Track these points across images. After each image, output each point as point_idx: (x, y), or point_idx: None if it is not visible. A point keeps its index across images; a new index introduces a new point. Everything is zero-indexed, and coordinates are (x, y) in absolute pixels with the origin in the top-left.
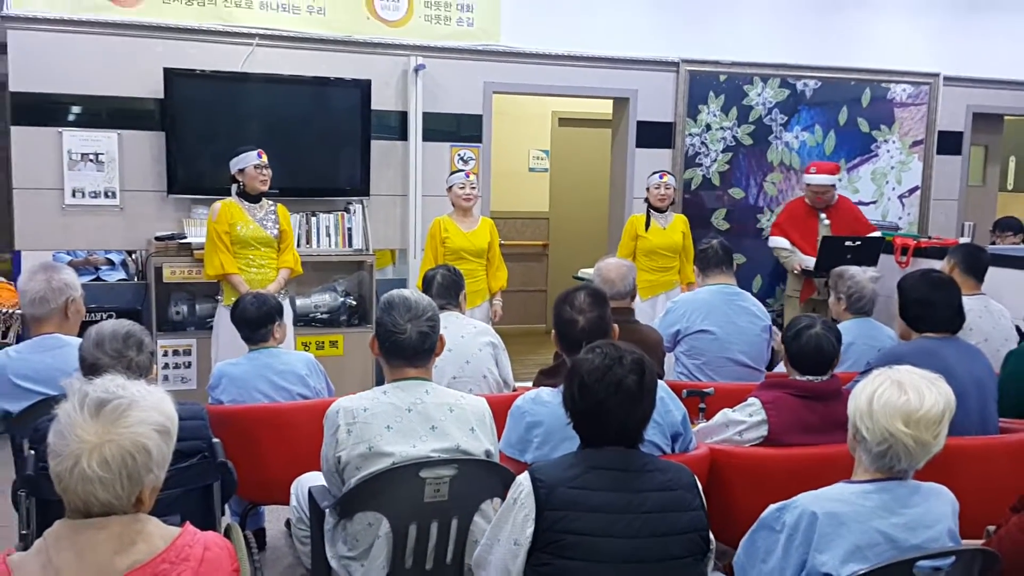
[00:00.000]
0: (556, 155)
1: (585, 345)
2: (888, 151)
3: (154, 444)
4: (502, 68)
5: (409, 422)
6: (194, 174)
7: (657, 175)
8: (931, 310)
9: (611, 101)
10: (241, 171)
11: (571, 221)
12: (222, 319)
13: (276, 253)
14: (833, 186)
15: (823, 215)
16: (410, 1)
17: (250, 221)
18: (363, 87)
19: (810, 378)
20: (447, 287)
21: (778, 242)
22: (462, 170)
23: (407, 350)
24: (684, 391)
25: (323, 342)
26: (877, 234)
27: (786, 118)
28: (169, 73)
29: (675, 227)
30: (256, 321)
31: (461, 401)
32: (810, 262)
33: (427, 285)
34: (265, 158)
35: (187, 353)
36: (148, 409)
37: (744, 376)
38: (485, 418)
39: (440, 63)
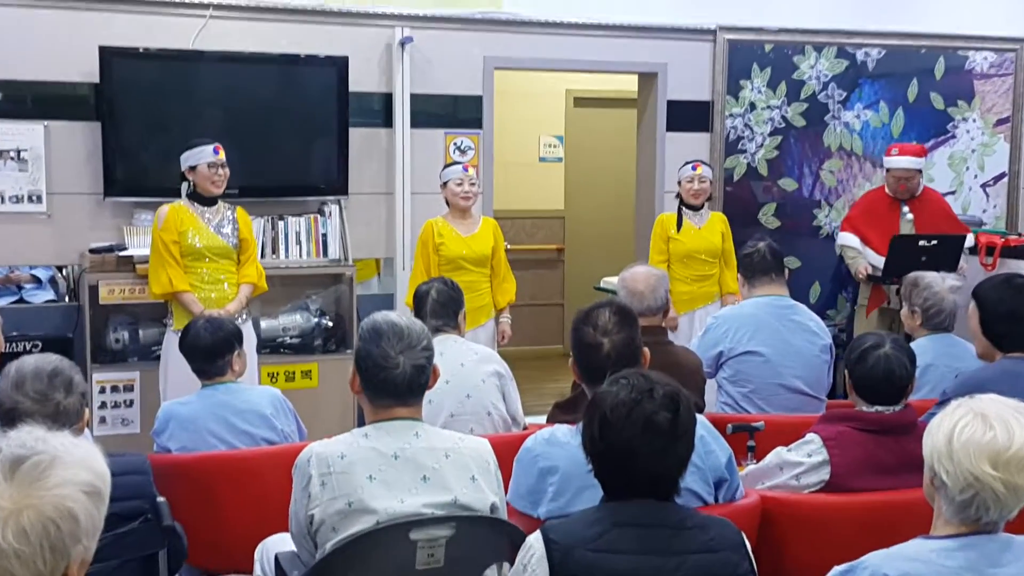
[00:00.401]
0: (572, 142)
1: (610, 374)
2: (968, 131)
3: (82, 508)
4: (505, 40)
5: (396, 471)
6: (137, 173)
7: (689, 166)
8: (1020, 325)
9: (636, 77)
10: (192, 169)
11: (591, 221)
12: (171, 347)
13: (235, 266)
14: (919, 172)
15: (906, 208)
16: None
17: (203, 228)
18: (339, 65)
19: (880, 409)
20: (444, 304)
21: (846, 239)
22: (459, 162)
23: (400, 387)
24: (729, 426)
25: (294, 372)
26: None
27: (845, 94)
28: (106, 52)
29: (712, 227)
30: (211, 350)
31: (459, 444)
32: (879, 263)
33: (419, 303)
34: (222, 154)
35: (129, 389)
36: (74, 466)
37: (801, 406)
38: (489, 464)
39: (431, 35)
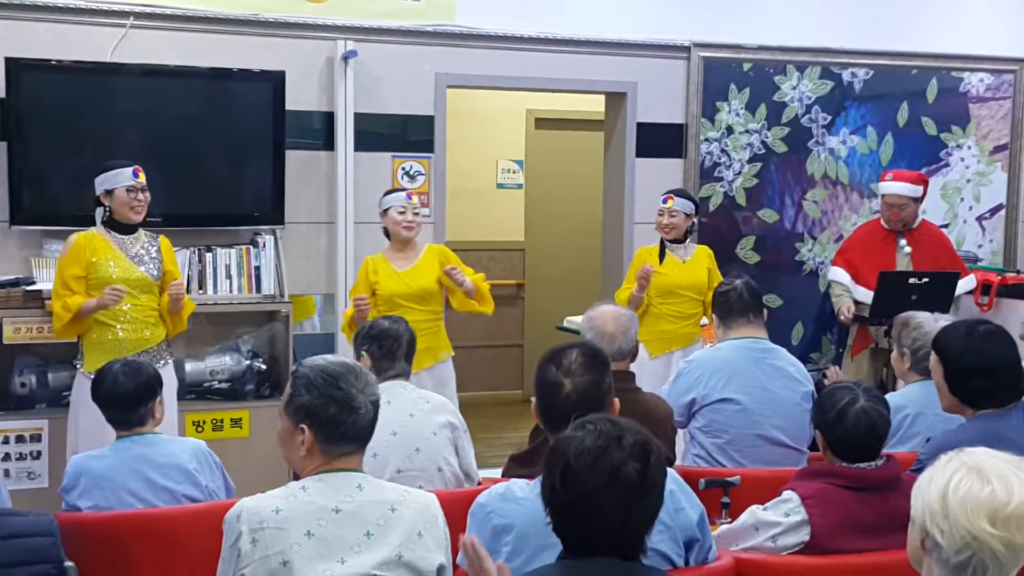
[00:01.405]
0: (533, 167)
1: (573, 420)
2: (962, 159)
3: None
4: (459, 55)
5: (337, 527)
6: (47, 198)
7: (661, 199)
8: (994, 380)
9: (603, 97)
10: (108, 193)
11: (553, 254)
12: (82, 392)
13: (157, 301)
14: (915, 200)
15: (903, 241)
16: None
17: (120, 257)
18: (275, 80)
19: (861, 464)
20: (388, 348)
21: (836, 274)
22: (404, 188)
23: (366, 430)
24: (701, 481)
25: (222, 420)
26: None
27: (830, 118)
28: (12, 64)
29: (698, 261)
30: (131, 398)
31: (405, 497)
32: (867, 296)
33: (366, 343)
34: (142, 177)
35: (36, 439)
36: None
37: (781, 459)
38: (437, 520)
39: (377, 49)
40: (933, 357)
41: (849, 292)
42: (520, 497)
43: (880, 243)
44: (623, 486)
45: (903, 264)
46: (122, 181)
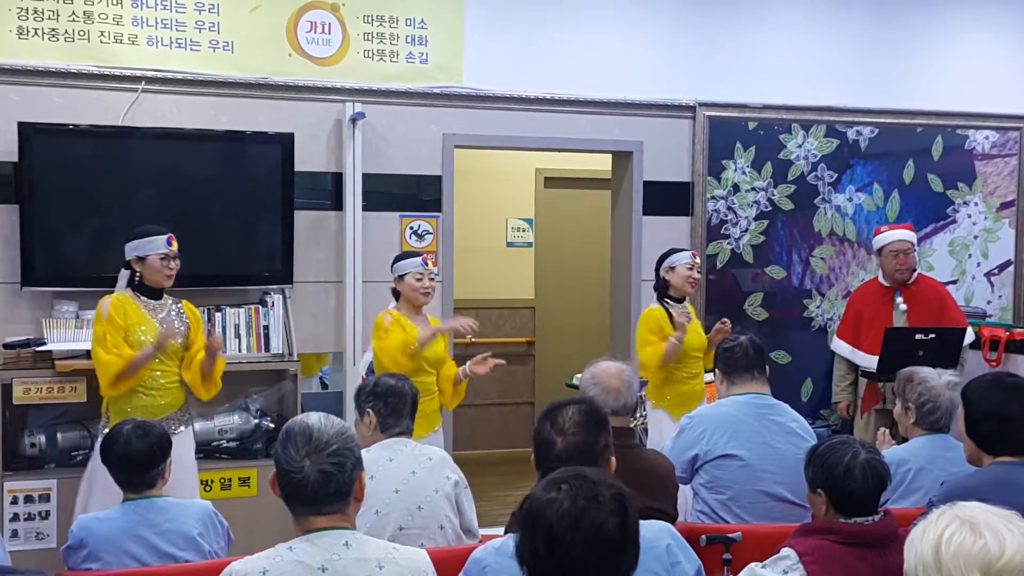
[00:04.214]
0: (542, 225)
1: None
2: (969, 216)
3: None
4: (467, 116)
5: None
6: (58, 260)
7: (688, 253)
8: (1009, 426)
9: (610, 156)
10: (141, 260)
11: (563, 311)
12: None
13: (178, 369)
14: (914, 246)
15: (900, 299)
16: (345, 33)
17: (151, 323)
18: (284, 142)
19: (860, 520)
20: (392, 405)
21: (837, 347)
22: (417, 253)
23: (305, 494)
24: (703, 537)
25: (230, 479)
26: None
27: (836, 176)
28: (26, 128)
29: (694, 319)
30: (144, 459)
31: (394, 554)
32: (869, 361)
33: (372, 400)
34: (175, 245)
35: (44, 499)
36: None
37: (784, 515)
38: None
39: (385, 110)
40: (960, 405)
41: (848, 378)
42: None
43: (878, 303)
44: (606, 544)
45: (900, 321)
46: (156, 248)
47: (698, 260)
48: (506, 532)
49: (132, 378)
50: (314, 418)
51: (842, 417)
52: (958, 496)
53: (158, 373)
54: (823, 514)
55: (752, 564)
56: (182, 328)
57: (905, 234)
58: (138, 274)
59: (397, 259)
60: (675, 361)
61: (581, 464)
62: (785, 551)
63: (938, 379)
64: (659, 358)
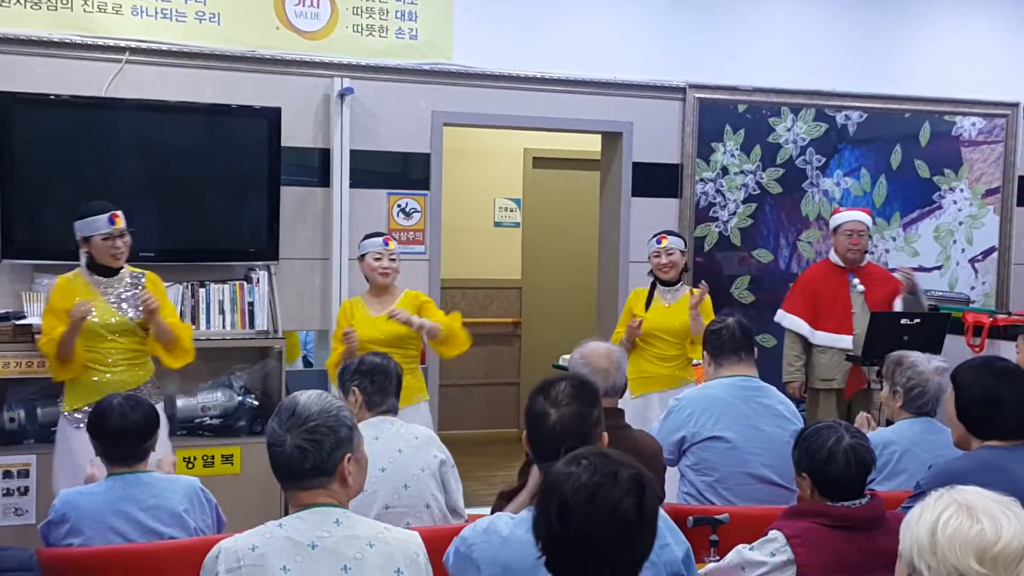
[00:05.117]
0: (530, 205)
1: (563, 452)
2: (955, 202)
3: None
4: (456, 93)
5: (313, 562)
6: (38, 233)
7: (655, 239)
8: (998, 410)
9: (599, 136)
10: (86, 240)
11: (550, 292)
12: (65, 433)
13: (142, 343)
14: (868, 229)
15: (856, 280)
16: (334, 7)
17: (100, 301)
18: (271, 117)
19: (847, 503)
20: (377, 382)
21: (791, 323)
22: (380, 233)
23: (283, 469)
24: (690, 518)
25: (213, 457)
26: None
27: (824, 160)
28: (7, 98)
29: (683, 305)
30: (142, 430)
31: (385, 534)
32: (844, 341)
33: (357, 379)
34: (119, 223)
35: (24, 475)
36: None
37: (770, 497)
38: (418, 558)
39: (374, 86)
40: (950, 388)
41: (802, 358)
42: (504, 533)
43: (833, 283)
44: (620, 523)
45: (858, 302)
46: (98, 229)
47: (665, 243)
48: (492, 512)
49: (73, 359)
50: (306, 395)
51: (794, 398)
52: (947, 478)
53: (104, 353)
54: (809, 497)
55: (739, 546)
56: (132, 309)
57: (861, 216)
58: (87, 252)
59: (362, 240)
60: (642, 339)
61: (575, 437)
62: (773, 533)
63: (927, 364)
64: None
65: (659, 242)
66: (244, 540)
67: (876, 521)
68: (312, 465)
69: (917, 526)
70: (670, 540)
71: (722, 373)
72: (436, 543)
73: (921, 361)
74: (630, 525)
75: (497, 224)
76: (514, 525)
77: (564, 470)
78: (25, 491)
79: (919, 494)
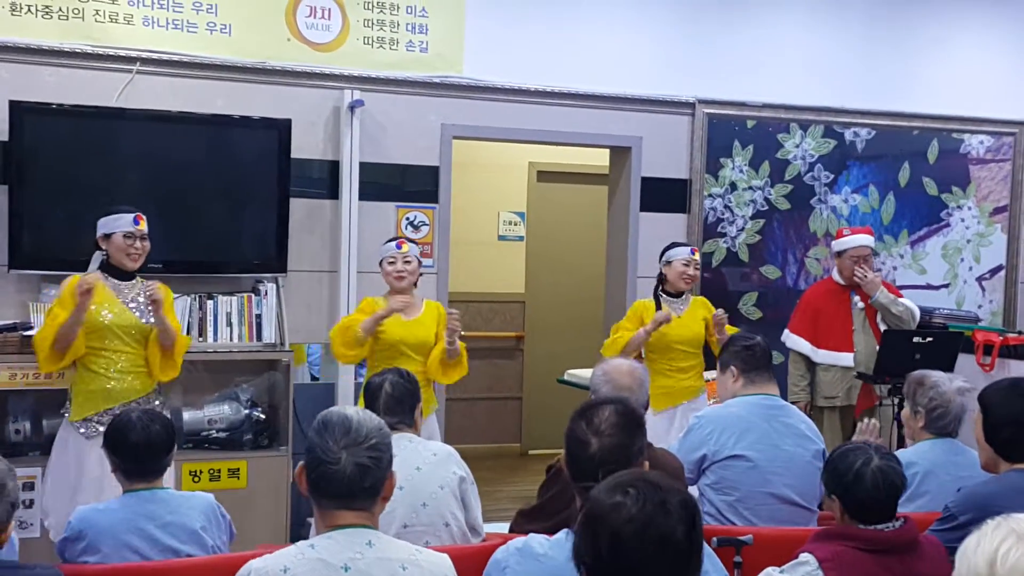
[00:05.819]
0: (535, 219)
1: (601, 476)
2: (963, 220)
3: None
4: (465, 107)
5: None
6: (46, 243)
7: (686, 249)
8: None
9: (607, 151)
10: (107, 237)
11: (554, 306)
12: (65, 441)
13: (145, 352)
14: (872, 250)
15: (856, 297)
16: (345, 19)
17: (115, 302)
18: (280, 129)
19: (879, 526)
20: (399, 399)
21: (794, 343)
22: (397, 237)
23: (339, 487)
24: (714, 539)
25: (219, 471)
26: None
27: (832, 176)
28: (17, 107)
29: (694, 313)
30: (165, 445)
31: (417, 556)
32: (845, 359)
33: (371, 397)
34: (143, 225)
35: (28, 488)
36: None
37: (792, 517)
38: None
39: (383, 99)
40: (978, 410)
41: (806, 377)
42: (540, 554)
43: (834, 301)
44: (673, 553)
45: (859, 320)
46: (121, 227)
47: (696, 257)
48: (511, 530)
49: (69, 348)
50: (352, 410)
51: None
52: (977, 502)
53: (113, 355)
54: (840, 519)
55: (770, 568)
56: (148, 314)
57: (866, 240)
58: (106, 253)
59: (383, 244)
60: (657, 352)
61: (615, 466)
62: (804, 556)
63: (949, 384)
64: (621, 345)
65: (692, 253)
66: (275, 561)
67: (909, 545)
68: (371, 483)
69: (975, 556)
70: (709, 567)
71: (752, 390)
72: (456, 563)
73: (943, 381)
74: (681, 554)
75: (501, 238)
76: (549, 546)
77: (609, 500)
78: (30, 504)
79: (948, 517)
